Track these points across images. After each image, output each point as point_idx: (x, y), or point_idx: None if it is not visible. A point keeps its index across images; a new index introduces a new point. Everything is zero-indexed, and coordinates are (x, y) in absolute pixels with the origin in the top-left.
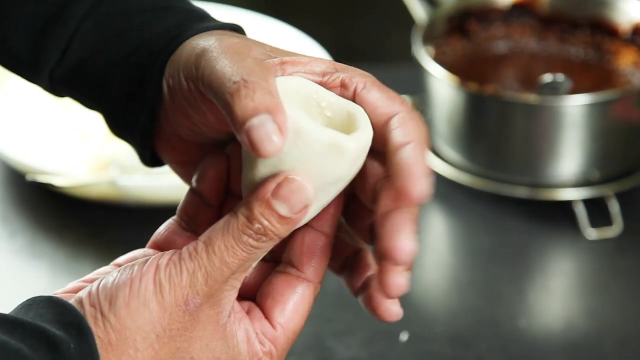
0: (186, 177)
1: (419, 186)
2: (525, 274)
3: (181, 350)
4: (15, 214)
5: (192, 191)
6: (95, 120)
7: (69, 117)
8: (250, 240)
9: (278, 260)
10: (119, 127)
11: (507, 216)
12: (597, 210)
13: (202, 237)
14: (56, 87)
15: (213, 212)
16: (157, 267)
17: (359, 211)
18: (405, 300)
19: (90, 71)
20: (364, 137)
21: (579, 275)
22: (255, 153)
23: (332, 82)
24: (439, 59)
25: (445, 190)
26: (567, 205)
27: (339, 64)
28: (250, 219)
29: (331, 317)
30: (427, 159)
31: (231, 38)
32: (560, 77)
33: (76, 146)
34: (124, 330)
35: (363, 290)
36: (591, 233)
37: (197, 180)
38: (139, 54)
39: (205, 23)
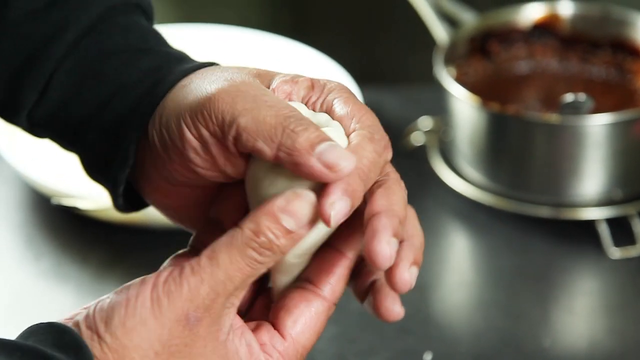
0: (180, 220)
1: (383, 249)
2: (548, 293)
3: None
4: (41, 237)
5: (208, 220)
6: None
7: None
8: (255, 255)
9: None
10: (93, 171)
11: (530, 236)
12: (621, 230)
13: (206, 252)
14: (35, 129)
15: None
16: (155, 284)
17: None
18: (428, 320)
19: (67, 114)
20: None
21: (602, 294)
22: (329, 176)
23: (312, 106)
24: (460, 80)
25: (468, 210)
26: (590, 224)
27: (315, 80)
28: (256, 232)
29: (354, 337)
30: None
31: (226, 74)
32: (582, 96)
33: None
34: (122, 350)
35: (367, 294)
36: (614, 252)
37: (215, 209)
38: (116, 101)
39: (184, 65)
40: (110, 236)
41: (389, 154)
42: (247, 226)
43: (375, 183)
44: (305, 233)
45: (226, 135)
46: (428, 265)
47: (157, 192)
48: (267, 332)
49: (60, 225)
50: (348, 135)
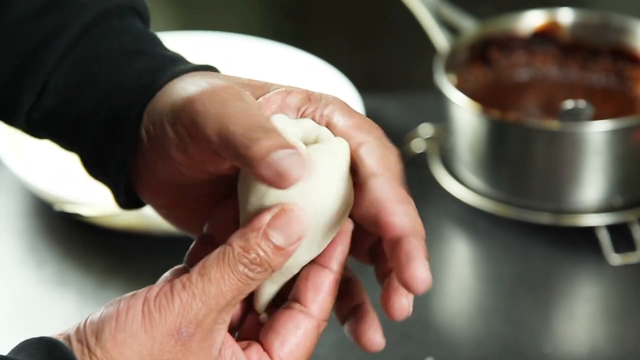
0: (173, 221)
1: (398, 219)
2: (549, 300)
3: None
4: (43, 243)
5: (201, 237)
6: None
7: None
8: (246, 271)
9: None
10: (93, 171)
11: (530, 242)
12: (621, 236)
13: (196, 269)
14: (34, 130)
15: None
16: (146, 299)
17: (357, 236)
18: (430, 326)
19: (65, 115)
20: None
21: (603, 301)
22: (278, 183)
23: (309, 117)
24: (461, 87)
25: (468, 217)
26: (590, 231)
27: (311, 93)
28: (246, 249)
29: (355, 343)
30: (400, 188)
31: (211, 79)
32: (582, 103)
33: None
34: None
35: (348, 318)
36: (615, 259)
37: (208, 226)
38: (111, 101)
39: (179, 67)
40: (112, 243)
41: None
42: (237, 243)
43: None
44: (296, 248)
45: (198, 136)
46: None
47: (149, 189)
48: (256, 353)
49: (62, 232)
50: (358, 147)
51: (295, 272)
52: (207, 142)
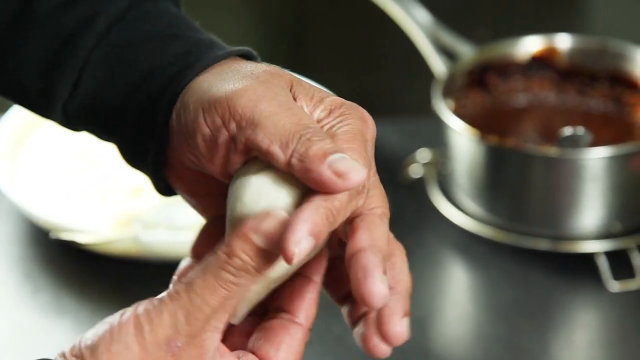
0: (201, 211)
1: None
2: (548, 326)
3: None
4: (39, 270)
5: (190, 259)
6: (117, 177)
7: (91, 174)
8: (230, 277)
9: (265, 312)
10: (131, 157)
11: (529, 269)
12: (620, 263)
13: (185, 279)
14: (71, 121)
15: None
16: (136, 313)
17: (336, 279)
18: (428, 354)
19: (101, 103)
20: None
21: (602, 328)
22: (337, 183)
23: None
24: (458, 112)
25: (466, 242)
26: (589, 257)
27: (337, 106)
28: (229, 254)
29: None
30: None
31: (257, 70)
32: (581, 130)
33: (99, 203)
34: None
35: (357, 322)
36: (614, 285)
37: (194, 247)
38: (147, 84)
39: (214, 51)
40: (108, 270)
41: (360, 199)
42: (221, 249)
43: (357, 217)
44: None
45: (242, 130)
46: (427, 298)
47: (178, 177)
48: None
49: (58, 259)
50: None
51: (275, 285)
52: (252, 136)
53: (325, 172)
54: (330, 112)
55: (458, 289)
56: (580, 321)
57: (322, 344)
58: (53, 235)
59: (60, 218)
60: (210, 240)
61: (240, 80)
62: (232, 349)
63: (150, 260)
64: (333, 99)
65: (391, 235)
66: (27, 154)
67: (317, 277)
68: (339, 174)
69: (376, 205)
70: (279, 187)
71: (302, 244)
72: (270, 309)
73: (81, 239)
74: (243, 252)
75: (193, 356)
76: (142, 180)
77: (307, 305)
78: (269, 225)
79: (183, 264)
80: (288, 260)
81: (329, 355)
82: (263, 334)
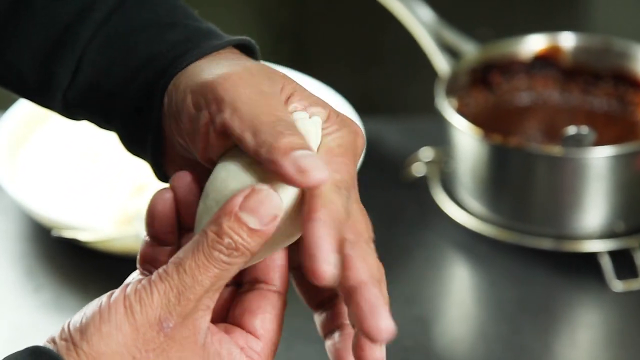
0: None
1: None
2: (551, 326)
3: None
4: (41, 268)
5: (147, 239)
6: (119, 175)
7: (94, 172)
8: (222, 256)
9: (239, 283)
10: (131, 144)
11: (532, 268)
12: (623, 262)
13: (173, 259)
14: (71, 110)
15: (172, 251)
16: (126, 294)
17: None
18: (430, 353)
19: (101, 90)
20: None
21: (605, 327)
22: (296, 178)
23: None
24: (462, 111)
25: (469, 242)
26: (592, 257)
27: (333, 115)
28: (219, 234)
29: None
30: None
31: (246, 63)
32: (584, 129)
33: (101, 201)
34: (99, 356)
35: (331, 333)
36: (617, 285)
37: (148, 225)
38: (145, 71)
39: (212, 41)
40: (110, 268)
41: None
42: (210, 229)
43: (346, 242)
44: (273, 229)
45: (220, 113)
46: (429, 297)
47: (170, 162)
48: (241, 336)
49: (60, 257)
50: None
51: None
52: (227, 121)
53: (287, 165)
54: (325, 121)
55: (461, 288)
56: (583, 320)
57: (323, 342)
58: (55, 233)
59: (62, 216)
60: (164, 215)
61: (231, 66)
62: (212, 322)
63: None
64: (330, 108)
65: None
66: (29, 151)
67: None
68: (300, 170)
69: (362, 229)
70: (250, 173)
71: (331, 260)
72: (244, 281)
73: (83, 236)
74: (233, 231)
75: (185, 336)
76: (144, 178)
77: (279, 272)
78: (257, 201)
79: (142, 244)
80: (322, 281)
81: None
82: (243, 305)
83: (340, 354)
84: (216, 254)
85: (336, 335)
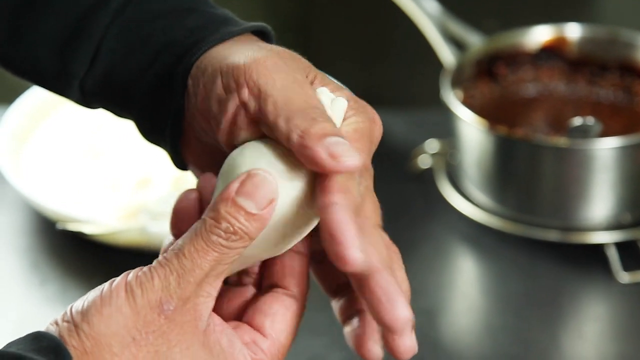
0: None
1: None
2: (557, 318)
3: (160, 353)
4: (46, 262)
5: (171, 238)
6: (124, 168)
7: (99, 165)
8: (221, 240)
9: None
10: (149, 132)
11: (538, 260)
12: (630, 254)
13: (172, 247)
14: (88, 98)
15: None
16: (127, 280)
17: (327, 271)
18: (437, 345)
19: (118, 78)
20: None
21: (612, 319)
22: (329, 163)
23: None
24: (467, 103)
25: (475, 234)
26: (599, 248)
27: (353, 102)
28: (217, 219)
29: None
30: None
31: (277, 50)
32: (590, 120)
33: (106, 194)
34: (99, 337)
35: (350, 319)
36: (624, 277)
37: (172, 224)
38: (163, 57)
39: (229, 27)
40: (115, 261)
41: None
42: (208, 215)
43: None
44: (270, 212)
45: (254, 98)
46: (435, 289)
47: (189, 149)
48: (248, 332)
49: (65, 250)
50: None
51: (254, 263)
52: (262, 106)
53: (320, 151)
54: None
55: (467, 280)
56: (589, 312)
57: (328, 335)
58: (60, 226)
59: (67, 209)
60: (189, 215)
61: (260, 50)
62: (225, 320)
63: (158, 251)
64: (348, 93)
65: (386, 237)
66: (34, 145)
67: (303, 249)
68: (333, 156)
69: (371, 214)
70: (263, 160)
71: (357, 244)
72: (263, 286)
73: (88, 229)
74: (230, 215)
75: (186, 321)
76: (149, 172)
77: (298, 278)
78: (253, 185)
79: (166, 242)
80: (355, 265)
81: (334, 347)
82: (256, 306)
83: (360, 340)
84: (214, 237)
85: (355, 320)
